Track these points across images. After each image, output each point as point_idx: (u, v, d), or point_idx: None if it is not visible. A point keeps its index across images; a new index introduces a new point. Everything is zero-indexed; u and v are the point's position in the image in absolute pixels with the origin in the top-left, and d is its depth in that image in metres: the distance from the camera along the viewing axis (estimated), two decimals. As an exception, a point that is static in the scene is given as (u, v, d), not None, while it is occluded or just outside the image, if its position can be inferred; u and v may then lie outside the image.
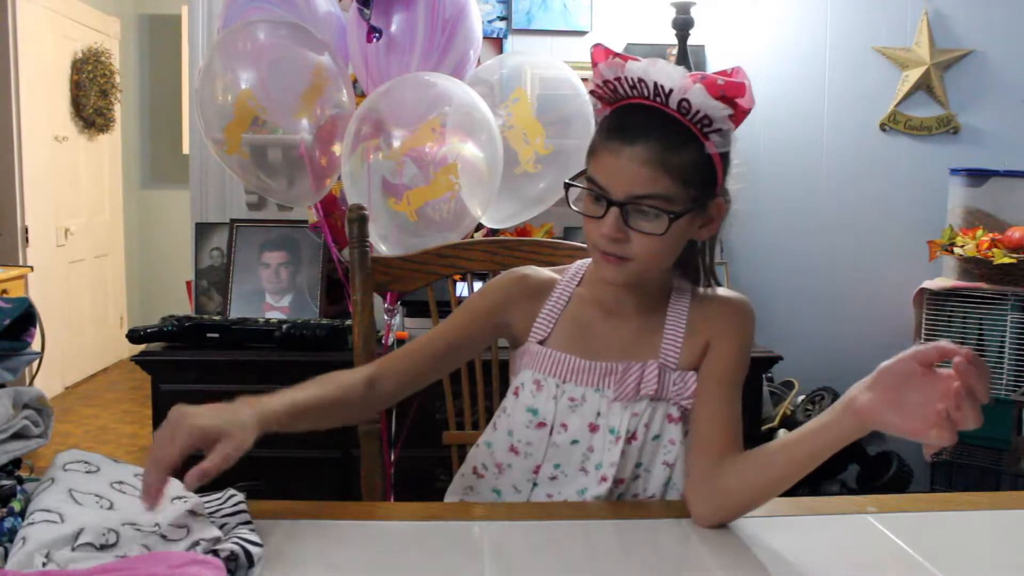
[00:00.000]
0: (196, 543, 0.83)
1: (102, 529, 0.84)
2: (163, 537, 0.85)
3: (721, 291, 1.14)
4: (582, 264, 1.17)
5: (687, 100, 0.98)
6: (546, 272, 1.17)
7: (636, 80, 1.00)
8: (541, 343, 1.12)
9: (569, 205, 1.06)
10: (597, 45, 1.05)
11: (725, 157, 1.04)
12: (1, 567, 0.81)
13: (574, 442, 1.10)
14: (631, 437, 1.08)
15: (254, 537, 0.86)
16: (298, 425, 0.99)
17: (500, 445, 1.13)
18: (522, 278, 1.15)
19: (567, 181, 1.06)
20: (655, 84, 0.99)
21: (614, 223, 1.00)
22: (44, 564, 0.78)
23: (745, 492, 0.99)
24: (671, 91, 0.98)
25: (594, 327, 1.12)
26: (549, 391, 1.10)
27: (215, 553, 0.81)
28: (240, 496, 0.95)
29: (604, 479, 1.08)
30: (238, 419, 0.90)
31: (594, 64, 1.04)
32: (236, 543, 0.83)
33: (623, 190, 0.99)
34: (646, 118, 1.00)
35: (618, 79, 1.02)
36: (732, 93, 0.98)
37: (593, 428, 1.09)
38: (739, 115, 1.00)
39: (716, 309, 1.11)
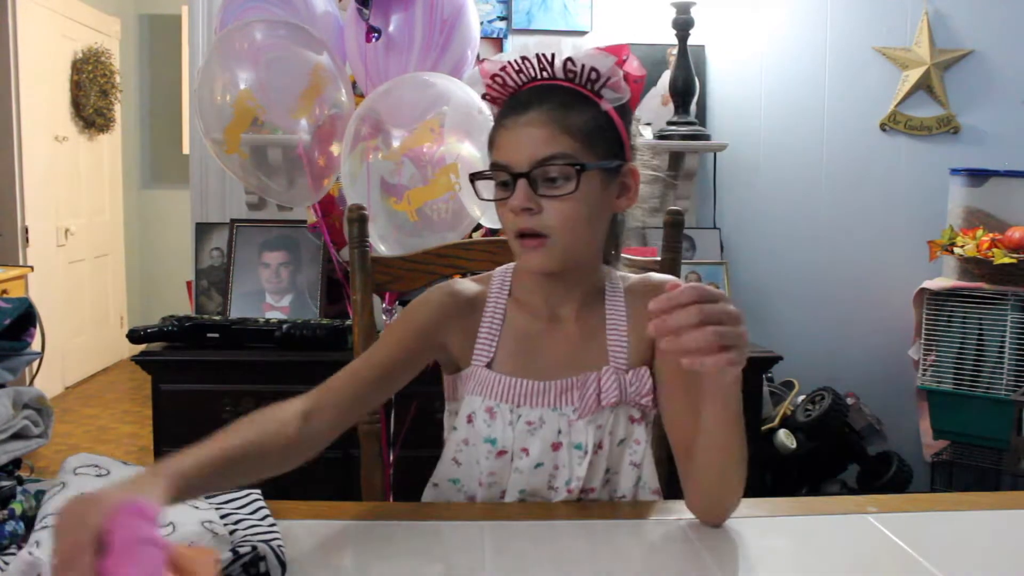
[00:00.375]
0: (233, 551, 0.83)
1: None
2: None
3: (652, 278, 1.13)
4: (506, 271, 1.13)
5: (571, 59, 0.99)
6: (472, 284, 1.13)
7: (519, 61, 1.01)
8: (488, 367, 1.07)
9: (478, 196, 1.05)
10: (482, 61, 1.06)
11: (624, 115, 1.03)
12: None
13: (538, 465, 1.06)
14: (598, 447, 1.06)
15: (280, 540, 0.86)
16: (220, 483, 0.87)
17: (468, 479, 1.10)
18: (453, 294, 1.10)
19: (472, 173, 1.05)
20: (537, 56, 1.00)
21: (523, 193, 0.98)
22: None
23: (713, 481, 0.98)
24: (553, 56, 0.99)
25: (537, 341, 1.08)
26: (504, 417, 1.06)
27: (238, 557, 0.81)
28: (257, 494, 0.95)
29: (570, 491, 1.06)
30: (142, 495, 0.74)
31: (483, 75, 1.05)
32: (267, 545, 0.83)
33: (525, 159, 0.98)
34: (535, 91, 1.01)
35: (503, 69, 1.02)
36: (616, 53, 0.99)
37: (556, 447, 1.06)
38: (632, 85, 1.01)
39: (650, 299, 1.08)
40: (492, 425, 1.06)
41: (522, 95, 1.02)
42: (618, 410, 1.07)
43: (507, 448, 1.07)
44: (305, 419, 0.97)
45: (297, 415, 0.97)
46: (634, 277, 1.13)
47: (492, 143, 1.03)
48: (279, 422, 0.95)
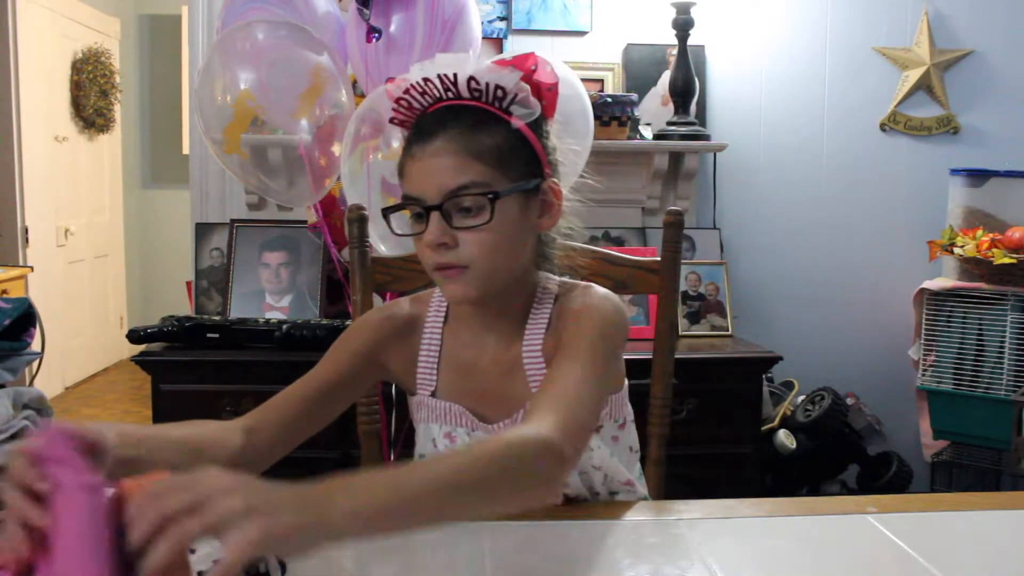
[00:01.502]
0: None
1: None
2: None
3: (575, 290, 1.04)
4: (443, 295, 1.09)
5: (474, 78, 0.94)
6: (409, 306, 1.10)
7: (423, 83, 0.96)
8: (433, 395, 1.06)
9: (392, 232, 0.99)
10: (389, 79, 1.01)
11: (539, 132, 0.98)
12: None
13: None
14: None
15: None
16: (153, 457, 0.82)
17: None
18: (389, 317, 1.09)
19: (384, 208, 0.99)
20: (440, 77, 0.95)
21: (437, 228, 0.93)
22: None
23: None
24: (456, 75, 0.94)
25: (473, 371, 1.05)
26: (463, 440, 1.05)
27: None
28: None
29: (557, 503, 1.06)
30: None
31: (388, 97, 1.00)
32: None
33: (435, 190, 0.93)
34: (440, 115, 0.95)
35: (407, 92, 0.97)
36: (522, 66, 0.95)
37: None
38: (544, 93, 0.96)
39: (563, 317, 1.01)
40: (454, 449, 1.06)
41: (427, 121, 0.96)
42: None
43: None
44: (247, 434, 0.96)
45: (239, 429, 0.96)
46: (573, 288, 1.05)
47: (401, 173, 0.98)
48: (221, 429, 0.95)
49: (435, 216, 0.93)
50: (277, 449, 0.99)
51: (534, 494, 0.80)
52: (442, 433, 1.06)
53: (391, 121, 1.01)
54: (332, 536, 0.65)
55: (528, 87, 0.95)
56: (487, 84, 0.94)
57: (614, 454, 1.09)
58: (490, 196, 0.93)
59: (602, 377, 0.95)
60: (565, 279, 1.09)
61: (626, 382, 1.12)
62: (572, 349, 0.94)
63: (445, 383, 1.06)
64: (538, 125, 0.99)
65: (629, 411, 1.13)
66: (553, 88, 0.97)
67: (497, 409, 1.04)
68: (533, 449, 0.79)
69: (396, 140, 1.92)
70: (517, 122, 0.95)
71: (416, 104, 0.98)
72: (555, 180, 1.01)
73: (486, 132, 0.94)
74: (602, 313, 0.99)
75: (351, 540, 0.68)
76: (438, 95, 0.97)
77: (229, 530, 0.59)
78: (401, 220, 0.99)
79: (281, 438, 0.99)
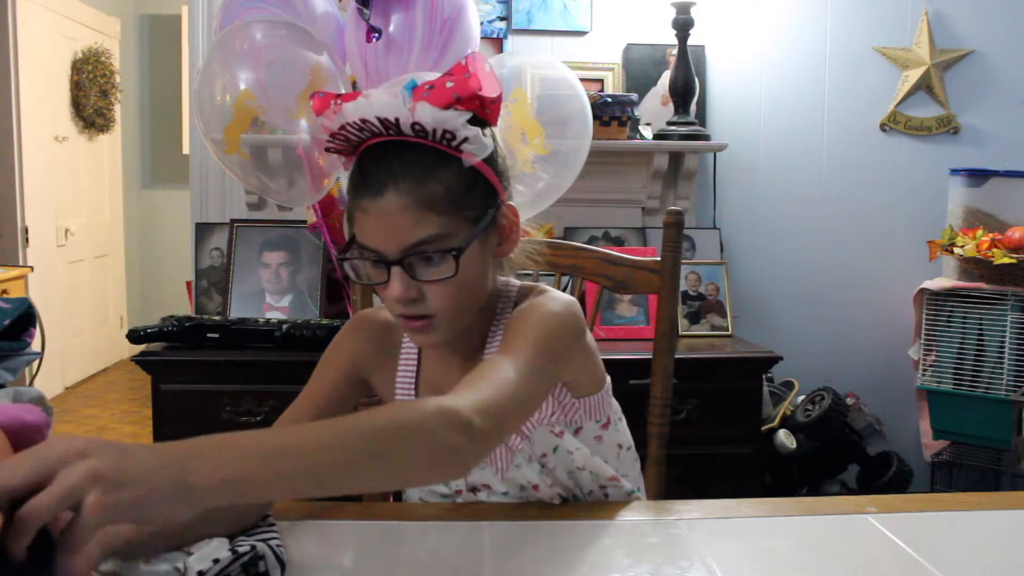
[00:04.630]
0: (232, 550, 0.83)
1: None
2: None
3: (531, 295, 1.02)
4: None
5: (418, 123, 0.88)
6: (384, 316, 1.07)
7: (361, 122, 0.89)
8: None
9: (350, 279, 0.96)
10: (314, 95, 0.94)
11: (493, 161, 0.94)
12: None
13: (504, 493, 1.07)
14: (544, 467, 1.05)
15: (279, 539, 0.86)
16: None
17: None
18: (365, 331, 1.08)
19: (339, 255, 0.95)
20: (379, 119, 0.88)
21: (401, 284, 0.90)
22: None
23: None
24: (397, 120, 0.88)
25: (446, 386, 1.01)
26: None
27: (237, 557, 0.81)
28: None
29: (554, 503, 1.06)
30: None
31: (324, 129, 0.93)
32: (266, 544, 0.83)
33: (394, 246, 0.89)
34: (388, 157, 0.90)
35: (343, 127, 0.91)
36: (466, 90, 0.88)
37: (509, 479, 1.06)
38: (489, 106, 0.90)
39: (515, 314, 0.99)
40: None
41: (372, 166, 0.90)
42: (534, 436, 1.04)
43: (461, 487, 1.08)
44: None
45: None
46: (531, 292, 1.03)
47: (351, 217, 0.93)
48: None
49: (396, 271, 0.90)
50: None
51: (436, 467, 0.75)
52: None
53: (326, 150, 0.95)
54: (195, 502, 0.61)
55: (478, 128, 0.89)
56: (433, 129, 0.88)
57: (596, 453, 1.09)
58: (453, 252, 0.89)
59: (539, 371, 0.90)
60: (524, 282, 1.08)
61: (608, 380, 1.11)
62: (507, 344, 0.92)
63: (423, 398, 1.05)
64: (494, 142, 0.95)
65: (615, 410, 1.12)
66: (497, 100, 0.91)
67: None
68: (435, 418, 0.74)
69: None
70: (470, 159, 0.90)
71: (353, 138, 0.92)
72: (510, 203, 0.98)
73: (436, 177, 0.89)
74: (545, 311, 0.96)
75: (215, 504, 0.63)
76: (377, 131, 0.91)
77: (82, 499, 0.57)
78: (359, 266, 0.95)
79: None
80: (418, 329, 0.95)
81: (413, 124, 0.88)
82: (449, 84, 0.88)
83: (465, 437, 0.74)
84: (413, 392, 1.06)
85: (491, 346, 1.02)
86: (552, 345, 0.94)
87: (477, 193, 0.93)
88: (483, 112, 0.91)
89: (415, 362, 1.07)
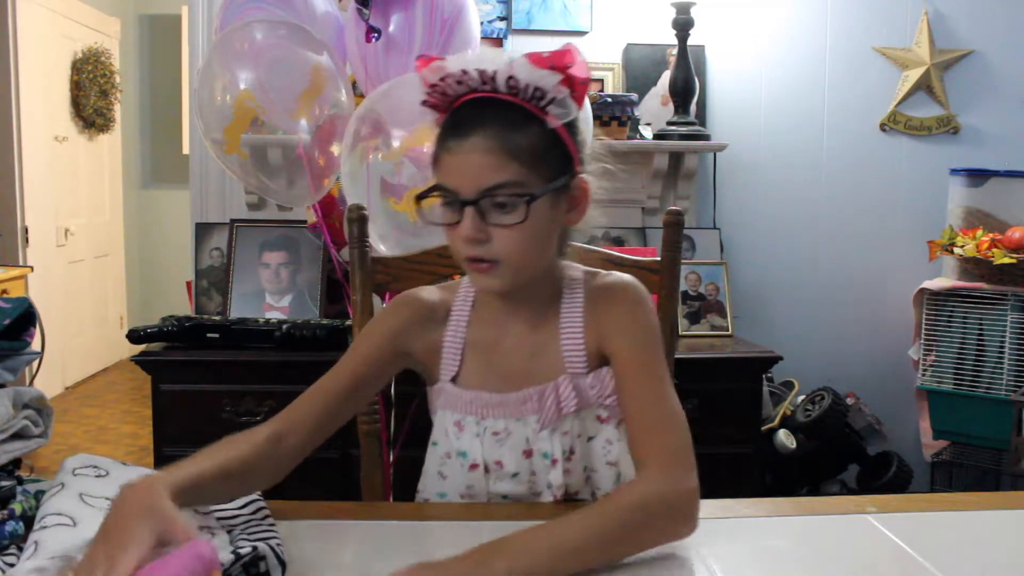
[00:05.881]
0: (234, 551, 0.83)
1: None
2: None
3: (609, 278, 1.08)
4: (470, 282, 1.10)
5: (513, 76, 0.94)
6: (436, 293, 1.12)
7: (460, 74, 0.96)
8: (453, 381, 1.08)
9: (423, 219, 1.01)
10: (420, 57, 1.00)
11: (573, 130, 1.00)
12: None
13: (514, 475, 1.07)
14: (570, 453, 1.06)
15: (279, 540, 0.86)
16: (212, 497, 0.91)
17: (453, 493, 1.11)
18: (415, 302, 1.11)
19: (419, 194, 1.00)
20: (478, 72, 0.95)
21: (472, 223, 0.95)
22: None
23: None
24: (495, 73, 0.95)
25: (498, 352, 1.08)
26: (471, 430, 1.07)
27: (238, 558, 0.81)
28: (256, 495, 0.95)
29: (555, 497, 1.07)
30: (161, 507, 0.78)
31: (423, 81, 1.00)
32: (267, 544, 0.84)
33: (472, 186, 0.95)
34: (479, 109, 0.97)
35: (443, 79, 0.97)
36: (560, 63, 0.95)
37: (528, 454, 1.06)
38: (577, 87, 0.97)
39: (604, 303, 1.06)
40: (461, 438, 1.07)
41: (464, 114, 0.97)
42: (583, 414, 1.06)
43: (478, 461, 1.07)
44: (275, 441, 0.98)
45: (265, 439, 0.97)
46: (596, 275, 1.10)
47: (436, 162, 0.99)
48: (250, 447, 0.95)
49: (470, 211, 0.95)
50: (308, 447, 1.02)
51: (664, 540, 0.91)
52: (452, 421, 1.08)
53: (423, 103, 1.01)
54: None
55: (567, 90, 0.96)
56: (526, 85, 0.95)
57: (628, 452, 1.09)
58: (527, 198, 0.95)
59: (669, 379, 1.01)
60: (586, 268, 1.12)
61: None
62: (638, 366, 1.01)
63: (468, 366, 1.08)
64: (571, 121, 1.00)
65: None
66: (586, 83, 0.98)
67: (518, 385, 1.06)
68: (652, 507, 0.89)
69: (396, 140, 1.92)
70: (554, 122, 0.96)
71: (451, 92, 0.98)
72: (584, 176, 1.03)
73: (522, 131, 0.95)
74: (646, 315, 1.04)
75: None
76: (474, 87, 0.97)
77: None
78: (432, 208, 1.00)
79: (312, 436, 1.02)
80: (481, 272, 0.99)
81: (508, 78, 0.94)
82: (546, 54, 0.95)
83: (684, 506, 0.91)
84: (459, 357, 1.08)
85: (570, 324, 1.06)
86: (660, 345, 1.04)
87: (555, 156, 0.98)
88: (571, 89, 0.96)
89: (464, 328, 1.09)
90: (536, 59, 0.95)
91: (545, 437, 1.05)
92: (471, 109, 0.97)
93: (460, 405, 1.07)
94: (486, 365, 1.08)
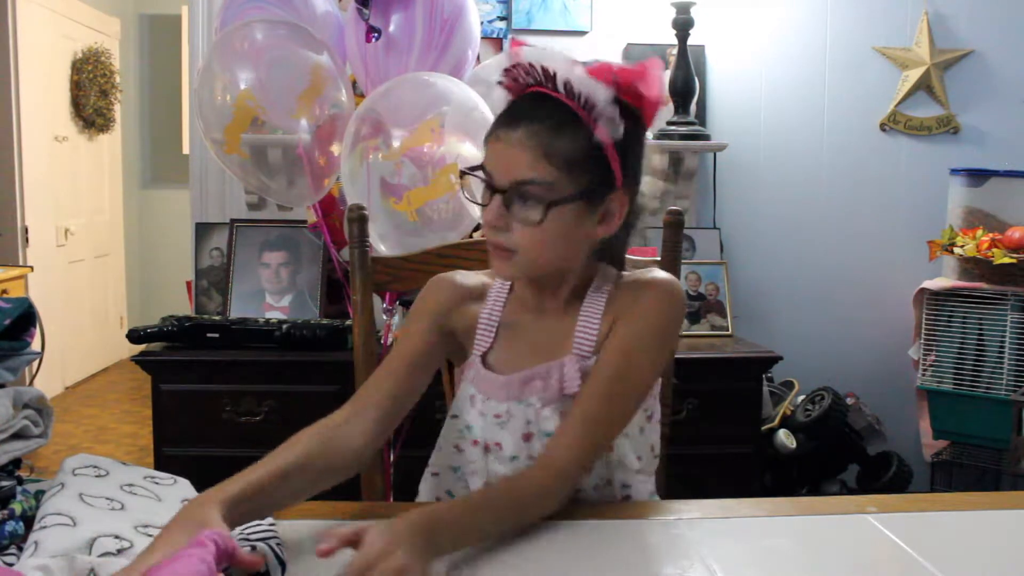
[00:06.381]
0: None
1: (114, 537, 0.83)
2: None
3: (648, 273, 1.09)
4: None
5: (570, 81, 0.96)
6: (477, 277, 1.16)
7: (528, 66, 0.99)
8: (484, 356, 1.10)
9: (464, 194, 1.06)
10: (514, 39, 1.05)
11: (623, 148, 1.00)
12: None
13: (513, 458, 1.07)
14: None
15: (279, 539, 0.87)
16: (272, 502, 0.91)
17: (466, 468, 1.12)
18: (455, 284, 1.13)
19: (462, 169, 1.06)
20: (542, 68, 0.98)
21: (495, 209, 0.99)
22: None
23: None
24: (555, 73, 0.97)
25: (524, 334, 1.10)
26: (478, 407, 1.09)
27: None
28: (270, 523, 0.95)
29: None
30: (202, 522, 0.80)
31: (511, 58, 1.03)
32: (267, 545, 0.84)
33: (505, 176, 0.99)
34: (534, 103, 0.99)
35: (516, 66, 1.01)
36: (627, 79, 0.96)
37: (527, 437, 1.07)
38: (646, 105, 0.98)
39: (630, 292, 1.07)
40: (470, 413, 1.10)
41: (520, 105, 1.01)
42: None
43: (479, 439, 1.09)
44: (348, 426, 1.01)
45: (339, 424, 1.01)
46: (636, 271, 1.11)
47: (486, 143, 1.03)
48: (313, 438, 0.98)
49: (496, 199, 0.99)
50: (378, 435, 1.05)
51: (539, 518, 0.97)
52: (468, 395, 1.10)
53: (499, 84, 1.04)
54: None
55: (617, 108, 0.97)
56: (579, 93, 0.97)
57: (634, 448, 1.09)
58: (548, 203, 0.97)
59: (638, 382, 1.03)
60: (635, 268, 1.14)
61: (660, 377, 1.12)
62: (616, 354, 1.02)
63: (499, 342, 1.10)
64: (635, 136, 1.01)
65: (657, 409, 1.13)
66: (654, 102, 0.99)
67: (538, 360, 1.07)
68: (547, 495, 0.97)
69: (396, 140, 1.92)
70: (602, 135, 0.97)
71: (520, 80, 1.02)
72: (626, 192, 1.03)
73: (568, 136, 0.97)
74: (661, 313, 1.04)
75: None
76: (537, 80, 1.00)
77: None
78: (472, 185, 1.06)
79: (382, 421, 1.05)
80: (498, 257, 1.03)
81: (566, 81, 0.97)
82: (616, 68, 0.97)
83: (563, 493, 0.98)
84: (492, 333, 1.10)
85: (591, 307, 1.07)
86: (662, 348, 1.06)
87: (596, 167, 0.99)
88: (638, 106, 0.98)
89: (500, 308, 1.12)
90: (600, 70, 0.97)
91: (548, 416, 1.06)
92: (528, 102, 1.00)
93: (479, 383, 1.09)
94: (514, 340, 1.10)
